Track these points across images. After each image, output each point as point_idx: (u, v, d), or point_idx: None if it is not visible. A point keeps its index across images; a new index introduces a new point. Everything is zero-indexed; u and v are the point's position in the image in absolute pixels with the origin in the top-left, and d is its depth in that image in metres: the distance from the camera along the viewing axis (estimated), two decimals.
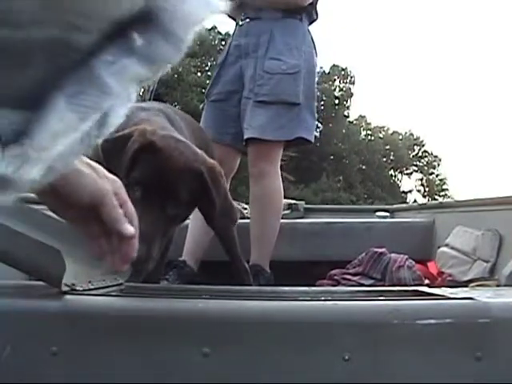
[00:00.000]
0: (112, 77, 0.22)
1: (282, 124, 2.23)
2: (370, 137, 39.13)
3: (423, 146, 40.47)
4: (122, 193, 0.76)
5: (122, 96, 0.24)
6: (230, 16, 2.42)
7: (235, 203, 2.65)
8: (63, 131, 0.22)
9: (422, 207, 3.17)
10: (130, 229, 0.74)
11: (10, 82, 0.20)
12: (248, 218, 2.34)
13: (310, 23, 2.39)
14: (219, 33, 24.26)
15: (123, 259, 0.78)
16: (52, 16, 0.20)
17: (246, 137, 2.25)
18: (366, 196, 33.17)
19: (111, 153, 1.21)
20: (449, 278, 2.19)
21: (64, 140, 0.22)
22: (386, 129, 40.00)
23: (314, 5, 2.36)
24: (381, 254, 2.25)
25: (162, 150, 1.27)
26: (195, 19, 0.25)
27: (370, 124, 39.49)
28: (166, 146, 1.29)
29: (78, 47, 0.21)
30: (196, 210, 1.90)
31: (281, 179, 2.33)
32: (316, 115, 2.37)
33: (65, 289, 0.84)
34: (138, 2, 0.21)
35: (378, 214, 3.21)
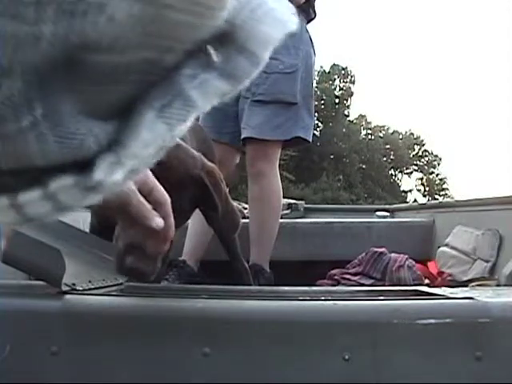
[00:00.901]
0: (195, 90, 0.24)
1: (279, 123, 2.23)
2: (370, 136, 39.13)
3: (423, 145, 40.48)
4: (148, 178, 0.78)
5: (204, 108, 0.25)
6: None
7: (235, 203, 2.66)
8: (153, 140, 0.23)
9: (422, 207, 3.17)
10: (157, 221, 0.76)
11: (104, 97, 0.21)
12: (248, 217, 2.35)
13: (308, 22, 2.39)
14: None
15: (163, 239, 0.80)
16: (149, 41, 0.21)
17: (243, 136, 2.25)
18: (366, 195, 33.18)
19: None
20: (449, 278, 2.19)
21: (153, 148, 0.24)
22: (386, 128, 40.01)
23: (311, 3, 2.35)
24: (381, 253, 2.25)
25: (161, 161, 1.26)
26: (271, 39, 0.26)
27: (370, 123, 39.50)
28: (166, 156, 1.28)
29: (167, 65, 0.23)
30: (196, 210, 1.90)
31: (279, 178, 2.33)
32: (314, 114, 2.37)
33: (65, 289, 0.84)
34: (220, 23, 0.23)
35: (378, 213, 3.21)
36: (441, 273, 2.27)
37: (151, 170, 1.37)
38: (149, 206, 0.76)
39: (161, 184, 1.31)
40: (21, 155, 0.20)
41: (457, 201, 2.81)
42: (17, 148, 0.20)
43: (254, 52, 0.25)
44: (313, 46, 2.37)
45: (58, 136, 0.20)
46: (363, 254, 2.29)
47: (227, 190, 1.88)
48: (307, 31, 2.36)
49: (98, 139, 0.21)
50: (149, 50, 0.22)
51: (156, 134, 0.23)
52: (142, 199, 0.75)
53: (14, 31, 0.18)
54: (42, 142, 0.20)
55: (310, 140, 2.34)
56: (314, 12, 2.41)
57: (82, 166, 0.21)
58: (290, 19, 0.27)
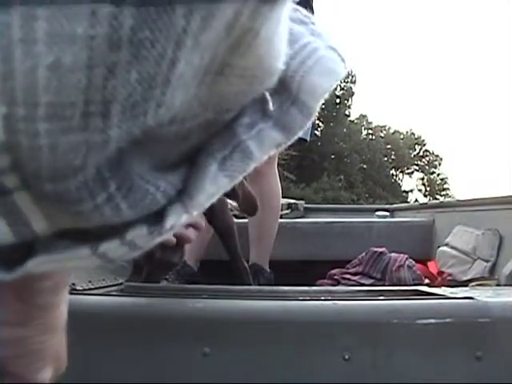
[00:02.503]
0: (252, 141, 0.25)
1: None
2: (371, 136, 39.14)
3: (424, 145, 40.48)
4: None
5: (261, 159, 0.26)
6: None
7: (235, 203, 2.66)
8: (216, 192, 0.25)
9: (422, 207, 3.17)
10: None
11: (169, 155, 0.23)
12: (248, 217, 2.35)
13: None
14: None
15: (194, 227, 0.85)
16: (207, 110, 0.23)
17: None
18: (367, 195, 33.19)
19: None
20: (449, 278, 2.19)
21: (215, 199, 0.26)
22: (387, 128, 40.01)
23: (309, 2, 2.35)
24: (381, 253, 2.25)
25: None
26: (322, 89, 0.26)
27: (371, 123, 39.50)
28: None
29: (226, 120, 0.24)
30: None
31: (278, 178, 2.33)
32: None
33: None
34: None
35: (378, 213, 3.21)
36: (441, 273, 2.27)
37: None
38: None
39: None
40: (98, 221, 0.22)
41: (457, 201, 2.81)
42: (94, 219, 0.22)
43: (306, 103, 0.26)
44: None
45: (132, 201, 0.22)
46: (363, 254, 2.29)
47: None
48: None
49: (166, 193, 0.23)
50: (208, 114, 0.23)
51: (219, 186, 0.25)
52: None
53: (85, 140, 0.20)
54: (117, 210, 0.22)
55: (308, 139, 2.33)
56: (312, 11, 2.40)
57: (154, 216, 0.23)
58: (339, 66, 0.28)
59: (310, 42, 0.26)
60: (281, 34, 0.23)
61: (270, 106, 0.25)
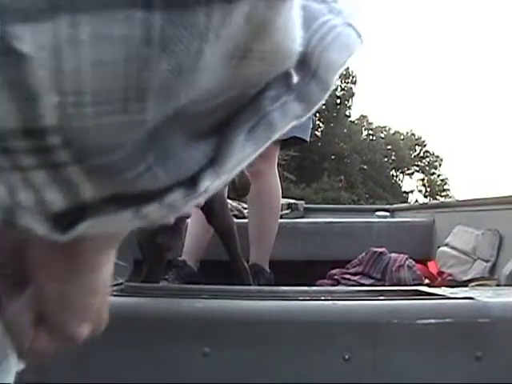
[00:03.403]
0: (276, 113, 0.27)
1: None
2: (371, 137, 39.14)
3: (425, 146, 40.49)
4: None
5: (283, 130, 0.28)
6: None
7: (235, 203, 2.66)
8: (243, 159, 0.27)
9: (422, 207, 3.17)
10: None
11: (201, 126, 0.26)
12: (247, 217, 2.35)
13: None
14: None
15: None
16: (235, 87, 0.26)
17: None
18: (367, 196, 33.19)
19: None
20: (449, 278, 2.19)
21: (240, 167, 0.28)
22: (387, 129, 40.02)
23: None
24: (381, 253, 2.25)
25: None
26: (338, 64, 0.29)
27: (371, 124, 39.51)
28: None
29: (252, 95, 0.27)
30: (195, 209, 1.90)
31: (278, 178, 2.33)
32: (312, 114, 2.36)
33: None
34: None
35: (378, 213, 3.21)
36: (441, 273, 2.27)
37: None
38: None
39: None
40: (140, 188, 0.26)
41: (457, 201, 2.81)
42: (136, 186, 0.25)
43: (324, 77, 0.28)
44: None
45: (168, 169, 0.25)
46: (363, 254, 2.29)
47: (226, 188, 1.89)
48: None
49: (198, 161, 0.26)
50: (234, 92, 0.26)
51: (245, 154, 0.27)
52: None
53: (126, 121, 0.23)
54: (156, 177, 0.25)
55: (308, 140, 2.33)
56: None
57: (189, 181, 0.26)
58: (355, 42, 0.30)
59: (329, 19, 0.29)
60: (295, 20, 0.26)
61: (294, 80, 0.27)
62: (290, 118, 0.28)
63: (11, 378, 0.41)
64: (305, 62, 0.27)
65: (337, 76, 0.29)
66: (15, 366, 0.41)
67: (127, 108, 0.23)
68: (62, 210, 0.26)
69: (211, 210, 1.77)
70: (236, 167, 0.27)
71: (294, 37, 0.26)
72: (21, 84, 0.21)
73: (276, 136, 0.28)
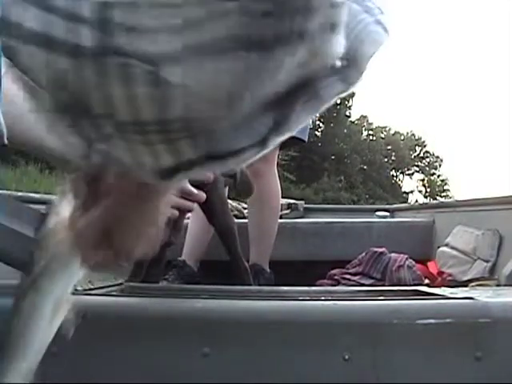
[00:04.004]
0: (324, 90, 0.36)
1: None
2: (371, 137, 39.14)
3: (425, 146, 40.49)
4: None
5: (328, 104, 0.39)
6: None
7: (235, 203, 2.66)
8: (299, 123, 0.37)
9: (422, 207, 3.17)
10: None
11: (270, 101, 0.35)
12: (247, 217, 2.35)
13: None
14: None
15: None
16: (299, 78, 0.35)
17: None
18: (367, 196, 33.18)
19: None
20: (449, 278, 2.19)
21: (301, 126, 0.39)
22: (387, 129, 40.02)
23: None
24: (381, 253, 2.25)
25: None
26: (369, 55, 0.38)
27: (371, 124, 39.51)
28: None
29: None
30: (195, 209, 1.89)
31: (278, 178, 2.33)
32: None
33: None
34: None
35: (378, 213, 3.21)
36: (441, 273, 2.27)
37: None
38: None
39: None
40: (227, 148, 0.37)
41: (457, 201, 2.81)
42: (223, 150, 0.36)
43: (360, 64, 0.37)
44: None
45: (247, 135, 0.37)
46: (363, 254, 2.29)
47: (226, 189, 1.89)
48: None
49: (268, 126, 0.36)
50: (298, 80, 0.35)
51: (301, 120, 0.37)
52: None
53: (225, 116, 0.34)
54: (239, 143, 0.36)
55: (306, 140, 2.33)
56: None
57: (260, 141, 0.36)
58: (383, 37, 0.39)
59: (363, 18, 0.37)
60: (341, 32, 0.34)
61: (338, 65, 0.35)
62: (334, 94, 0.37)
63: (74, 280, 0.54)
64: (346, 53, 0.35)
65: (369, 63, 0.38)
66: (77, 273, 0.52)
67: (231, 105, 0.32)
68: (168, 167, 0.36)
69: (212, 209, 1.77)
70: (295, 128, 0.37)
71: (341, 43, 0.34)
72: (162, 97, 0.31)
73: (324, 107, 0.38)
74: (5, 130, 0.74)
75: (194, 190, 1.09)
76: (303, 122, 0.38)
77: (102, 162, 0.37)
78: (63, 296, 0.56)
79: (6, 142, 0.74)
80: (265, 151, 0.38)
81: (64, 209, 0.53)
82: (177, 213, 1.10)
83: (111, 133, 0.33)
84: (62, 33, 0.29)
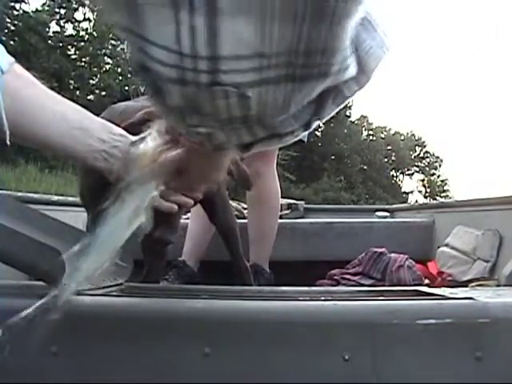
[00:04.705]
0: (345, 89, 0.52)
1: None
2: (371, 137, 39.13)
3: (425, 146, 40.48)
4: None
5: (348, 100, 0.58)
6: None
7: (235, 203, 2.66)
8: (331, 112, 0.54)
9: (422, 207, 3.17)
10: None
11: (312, 97, 0.53)
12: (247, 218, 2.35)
13: None
14: None
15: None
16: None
17: None
18: (367, 196, 33.17)
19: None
20: (449, 278, 2.19)
21: (332, 114, 0.57)
22: (387, 129, 40.00)
23: None
24: (381, 253, 2.25)
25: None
26: (374, 66, 0.52)
27: (371, 124, 39.50)
28: None
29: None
30: (195, 209, 1.90)
31: (277, 178, 2.33)
32: None
33: None
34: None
35: (378, 213, 3.21)
36: (441, 273, 2.27)
37: None
38: None
39: None
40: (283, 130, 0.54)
41: (457, 201, 2.81)
42: (281, 131, 0.54)
43: (367, 73, 0.52)
44: None
45: (298, 122, 0.51)
46: (363, 254, 2.29)
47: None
48: None
49: (310, 114, 0.52)
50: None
51: (331, 111, 0.52)
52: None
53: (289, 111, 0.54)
54: (292, 127, 0.54)
55: (305, 140, 2.33)
56: None
57: (305, 125, 0.52)
58: (384, 54, 0.52)
59: (369, 44, 0.51)
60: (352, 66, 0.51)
61: (354, 72, 0.49)
62: (352, 92, 0.53)
63: (149, 197, 0.73)
64: (359, 64, 0.49)
65: (374, 73, 0.52)
66: (152, 192, 0.73)
67: (283, 109, 0.50)
68: (247, 143, 0.54)
69: (213, 209, 1.77)
70: (327, 114, 0.53)
71: (353, 64, 0.49)
72: (245, 104, 0.50)
73: (346, 101, 0.54)
74: (6, 125, 0.78)
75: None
76: (333, 111, 0.53)
77: (207, 141, 0.56)
78: (140, 208, 0.72)
79: (7, 136, 0.80)
80: (309, 130, 0.54)
81: (149, 143, 0.77)
82: (176, 207, 1.09)
83: (215, 124, 0.52)
84: (192, 75, 0.49)
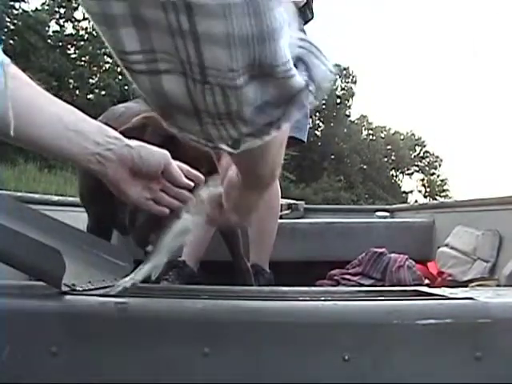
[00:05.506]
0: (306, 101, 0.59)
1: None
2: (371, 136, 39.15)
3: (424, 146, 40.50)
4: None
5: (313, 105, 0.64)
6: None
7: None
8: (295, 117, 0.60)
9: (422, 207, 3.17)
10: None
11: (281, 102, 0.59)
12: None
13: (305, 23, 2.39)
14: None
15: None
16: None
17: None
18: (366, 196, 33.18)
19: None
20: (449, 278, 2.19)
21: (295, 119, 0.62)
22: (387, 129, 40.03)
23: (309, 4, 2.36)
24: (381, 254, 2.25)
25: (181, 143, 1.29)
26: (325, 85, 0.61)
27: (371, 124, 39.52)
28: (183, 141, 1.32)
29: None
30: None
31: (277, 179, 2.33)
32: (309, 115, 2.36)
33: (65, 289, 0.84)
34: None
35: (378, 213, 3.21)
36: (441, 273, 2.27)
37: (173, 148, 1.46)
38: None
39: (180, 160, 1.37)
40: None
41: (457, 201, 2.81)
42: (258, 127, 0.60)
43: (321, 91, 0.60)
44: None
45: (266, 119, 0.59)
46: (363, 255, 2.30)
47: None
48: (304, 32, 2.36)
49: (278, 116, 0.59)
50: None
51: (296, 114, 0.59)
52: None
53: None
54: (265, 120, 0.59)
55: (305, 140, 2.33)
56: (312, 13, 2.41)
57: (270, 125, 0.60)
58: (330, 76, 0.62)
59: (322, 68, 0.62)
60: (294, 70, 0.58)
61: (313, 89, 0.59)
62: (311, 103, 0.60)
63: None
64: (312, 84, 0.58)
65: (325, 91, 0.61)
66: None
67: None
68: (235, 137, 0.59)
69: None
70: (294, 118, 0.59)
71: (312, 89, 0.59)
72: (229, 101, 0.57)
73: (309, 107, 0.68)
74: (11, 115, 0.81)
75: (188, 182, 1.11)
76: (297, 116, 0.60)
77: (195, 138, 0.60)
78: (187, 229, 0.95)
79: (11, 132, 0.83)
80: (280, 129, 0.59)
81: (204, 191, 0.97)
82: (167, 211, 1.10)
83: (206, 120, 0.56)
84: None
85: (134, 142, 1.04)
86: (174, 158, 1.24)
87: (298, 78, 0.58)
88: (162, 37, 0.50)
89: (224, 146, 0.61)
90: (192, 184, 1.11)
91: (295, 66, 0.58)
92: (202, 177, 1.15)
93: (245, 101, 0.55)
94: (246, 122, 0.58)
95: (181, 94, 0.55)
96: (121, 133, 1.05)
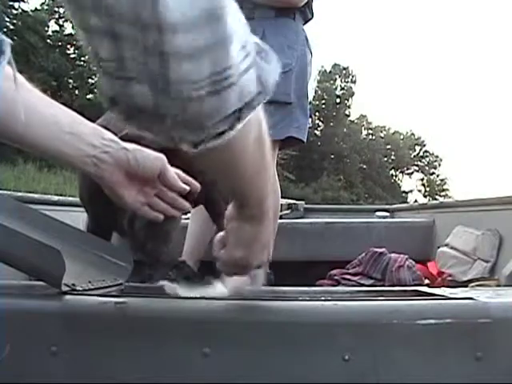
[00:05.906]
0: (254, 102, 0.62)
1: (273, 123, 2.20)
2: (371, 136, 39.15)
3: (424, 145, 40.51)
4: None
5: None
6: None
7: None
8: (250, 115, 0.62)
9: (422, 207, 3.17)
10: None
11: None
12: None
13: (305, 22, 2.39)
14: None
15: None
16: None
17: None
18: (366, 195, 33.18)
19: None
20: (449, 278, 2.19)
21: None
22: (387, 128, 40.04)
23: (309, 4, 2.36)
24: (381, 253, 2.25)
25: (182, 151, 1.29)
26: (271, 84, 0.64)
27: (371, 123, 39.53)
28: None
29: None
30: (195, 210, 1.89)
31: (277, 178, 2.33)
32: (309, 115, 2.36)
33: (65, 289, 0.84)
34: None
35: (378, 213, 3.21)
36: (441, 273, 2.27)
37: (173, 158, 1.46)
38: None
39: (176, 166, 1.36)
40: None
41: (457, 201, 2.81)
42: (214, 132, 0.61)
43: (269, 88, 0.63)
44: (309, 46, 2.37)
45: (216, 117, 0.59)
46: (363, 255, 2.30)
47: None
48: (304, 31, 2.36)
49: (232, 122, 0.60)
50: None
51: (250, 116, 0.62)
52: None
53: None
54: (216, 115, 0.58)
55: (305, 140, 2.33)
56: (312, 12, 2.41)
57: (231, 123, 0.60)
58: (275, 75, 0.65)
59: (268, 67, 0.64)
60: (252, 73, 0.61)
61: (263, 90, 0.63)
62: (257, 103, 0.62)
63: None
64: (261, 83, 0.61)
65: (271, 89, 0.64)
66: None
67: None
68: (194, 140, 0.59)
69: (215, 210, 1.77)
70: (246, 119, 0.60)
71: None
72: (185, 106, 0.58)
73: (258, 108, 0.63)
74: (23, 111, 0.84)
75: (184, 186, 1.11)
76: (249, 115, 0.61)
77: (162, 139, 0.61)
78: None
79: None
80: (240, 124, 0.60)
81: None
82: (162, 217, 1.10)
83: (170, 124, 0.57)
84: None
85: (130, 145, 1.04)
86: (172, 166, 1.25)
87: (250, 81, 0.59)
88: (132, 48, 0.51)
89: (184, 146, 0.62)
90: (188, 188, 1.11)
91: (246, 69, 0.58)
92: (197, 184, 1.15)
93: (205, 110, 0.56)
94: (204, 129, 0.58)
95: (147, 99, 0.55)
96: (121, 138, 1.05)
